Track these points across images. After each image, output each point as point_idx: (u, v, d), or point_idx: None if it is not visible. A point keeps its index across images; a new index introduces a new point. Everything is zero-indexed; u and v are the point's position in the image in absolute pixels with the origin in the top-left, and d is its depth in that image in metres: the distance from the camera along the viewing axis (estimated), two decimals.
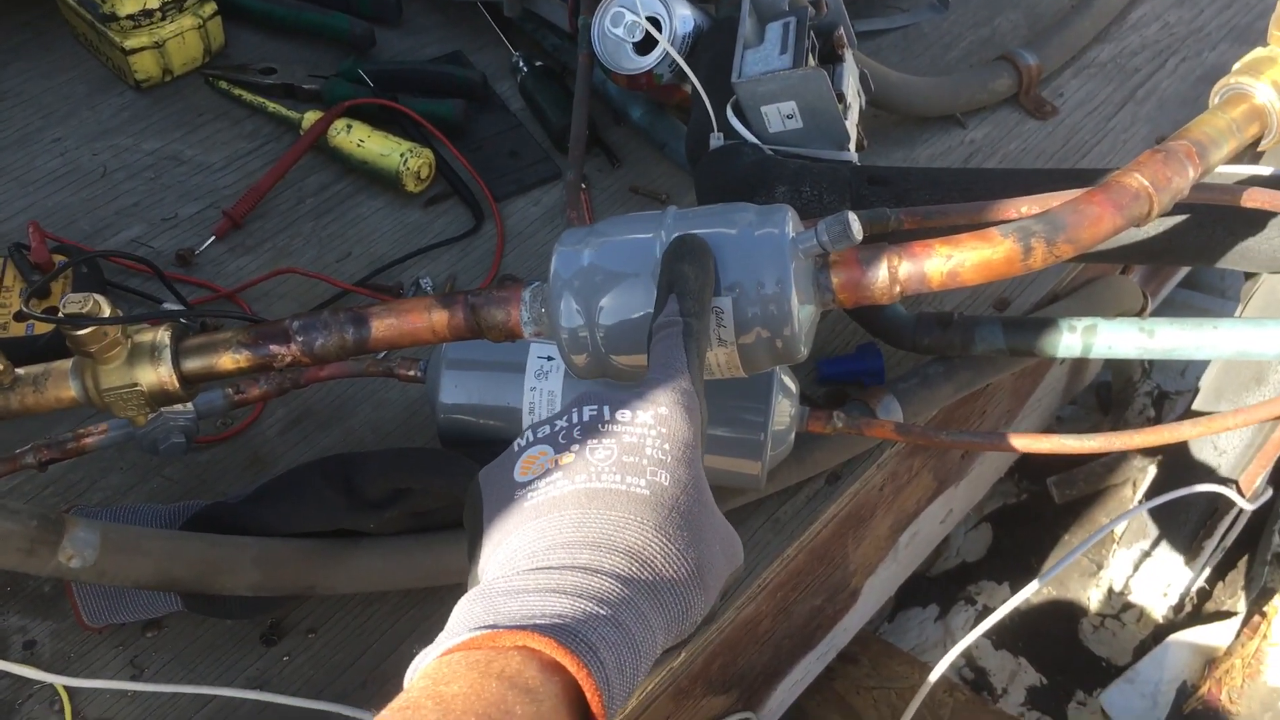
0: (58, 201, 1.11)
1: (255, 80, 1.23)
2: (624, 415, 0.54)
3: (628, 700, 0.46)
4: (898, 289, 0.67)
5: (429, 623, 0.84)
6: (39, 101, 1.21)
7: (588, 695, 0.43)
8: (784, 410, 0.82)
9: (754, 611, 0.94)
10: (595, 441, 0.52)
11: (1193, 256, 0.92)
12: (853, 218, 0.64)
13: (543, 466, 0.52)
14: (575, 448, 0.52)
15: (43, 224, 1.02)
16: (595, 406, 0.54)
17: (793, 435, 0.84)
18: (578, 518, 0.49)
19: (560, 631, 0.43)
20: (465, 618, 0.45)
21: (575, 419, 0.54)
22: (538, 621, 0.43)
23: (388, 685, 0.81)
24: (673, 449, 0.53)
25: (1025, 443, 0.84)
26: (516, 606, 0.45)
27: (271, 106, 1.20)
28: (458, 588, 0.55)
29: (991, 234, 0.67)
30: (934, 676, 0.92)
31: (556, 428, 0.54)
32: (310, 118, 1.16)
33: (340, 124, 1.15)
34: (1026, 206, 0.78)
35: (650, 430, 0.53)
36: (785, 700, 1.20)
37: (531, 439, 0.55)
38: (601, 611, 0.45)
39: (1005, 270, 0.67)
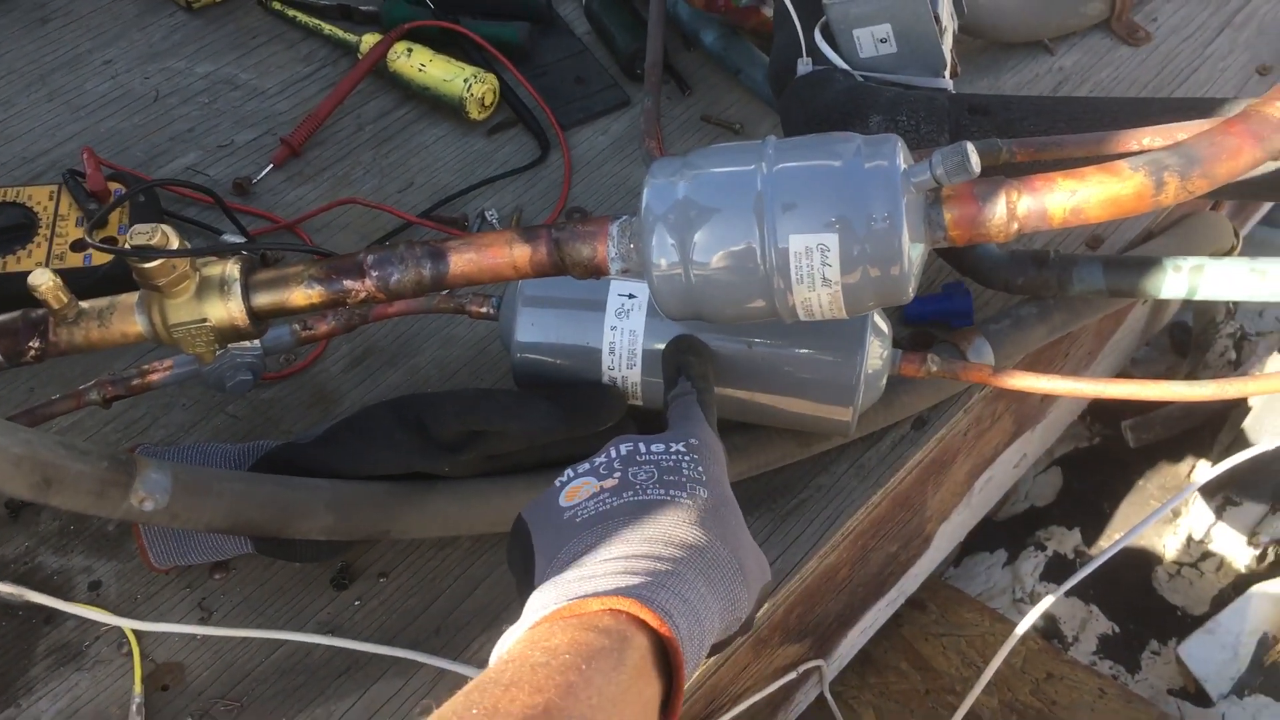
0: (110, 127, 1.08)
1: (311, 1, 1.18)
2: (658, 447, 0.59)
3: (692, 673, 0.50)
4: (1015, 227, 0.63)
5: (503, 568, 0.81)
6: (89, 22, 1.17)
7: (670, 647, 0.47)
8: (876, 353, 0.78)
9: (835, 559, 0.90)
10: (636, 468, 0.58)
11: None
12: (971, 149, 0.60)
13: (588, 492, 0.57)
14: (617, 474, 0.57)
15: (96, 150, 0.99)
16: (630, 442, 0.60)
17: (884, 380, 0.80)
18: (630, 523, 0.54)
19: (640, 595, 0.48)
20: (543, 601, 0.49)
21: (614, 453, 0.59)
22: (619, 589, 0.48)
23: (461, 632, 0.78)
24: (707, 470, 0.58)
25: (1132, 389, 0.80)
26: (592, 586, 0.49)
27: (328, 29, 1.15)
28: None
29: (1119, 167, 0.62)
30: (1020, 629, 0.88)
31: (596, 463, 0.59)
32: (369, 41, 1.12)
33: (400, 47, 1.10)
34: (1150, 138, 0.73)
35: (685, 455, 0.59)
36: (854, 646, 1.18)
37: (573, 475, 0.59)
38: (668, 585, 0.49)
39: (1134, 207, 0.62)
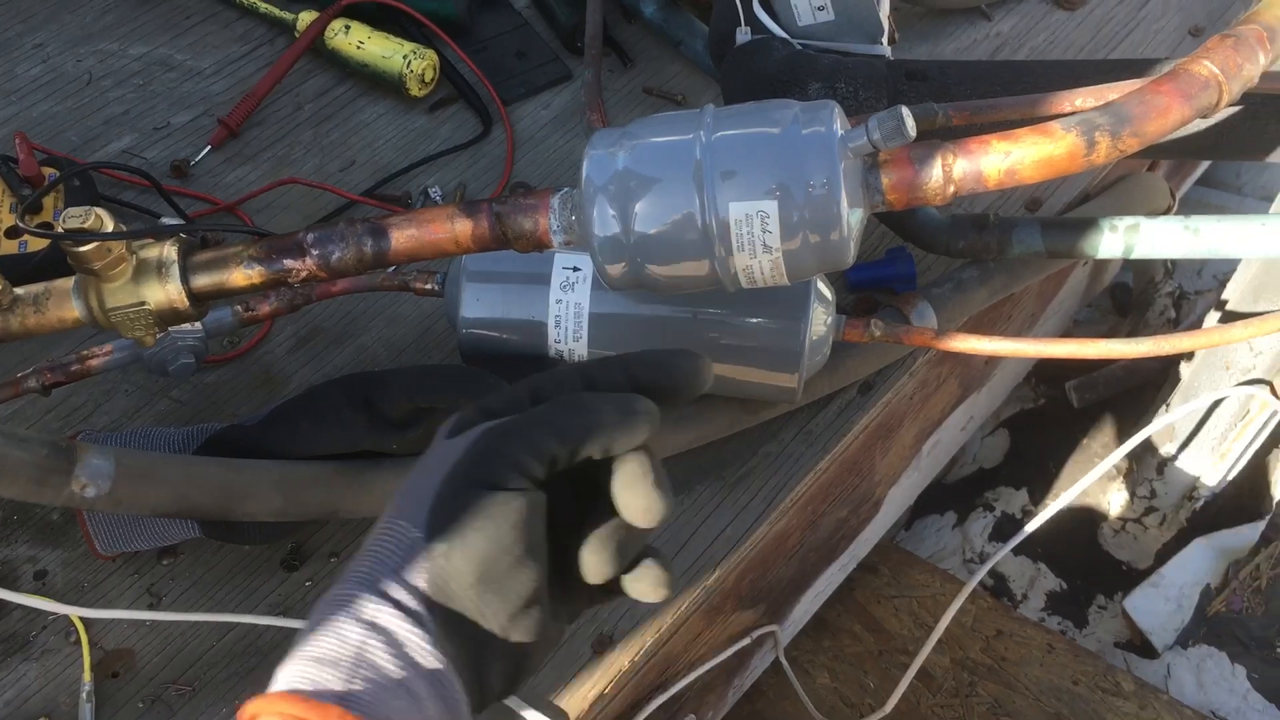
0: (43, 111, 1.06)
1: None
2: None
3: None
4: (952, 189, 0.64)
5: None
6: (16, 5, 1.14)
7: None
8: (820, 319, 0.78)
9: (785, 526, 0.91)
10: None
11: (1240, 150, 0.88)
12: (906, 113, 0.61)
13: None
14: None
15: (29, 135, 0.97)
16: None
17: (829, 345, 0.81)
18: None
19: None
20: None
21: None
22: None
23: None
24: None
25: (1071, 348, 0.81)
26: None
27: (263, 7, 1.14)
28: None
29: (1052, 128, 0.63)
30: (968, 589, 0.90)
31: None
32: (305, 18, 1.10)
33: (338, 24, 1.09)
34: (1082, 99, 0.74)
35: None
36: (807, 611, 1.19)
37: None
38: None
39: (1067, 166, 0.63)
